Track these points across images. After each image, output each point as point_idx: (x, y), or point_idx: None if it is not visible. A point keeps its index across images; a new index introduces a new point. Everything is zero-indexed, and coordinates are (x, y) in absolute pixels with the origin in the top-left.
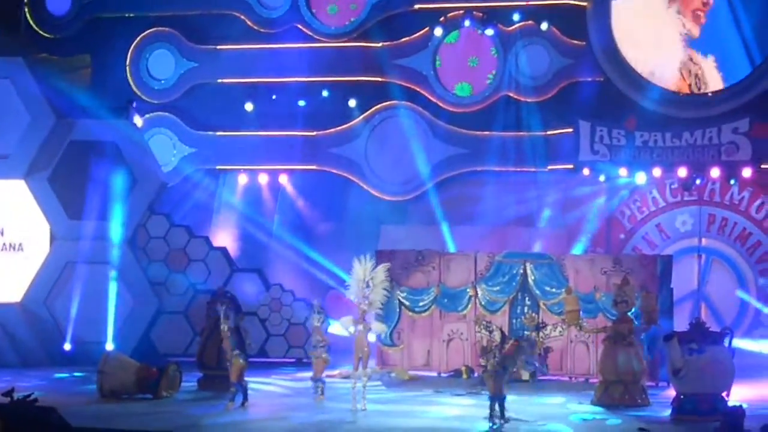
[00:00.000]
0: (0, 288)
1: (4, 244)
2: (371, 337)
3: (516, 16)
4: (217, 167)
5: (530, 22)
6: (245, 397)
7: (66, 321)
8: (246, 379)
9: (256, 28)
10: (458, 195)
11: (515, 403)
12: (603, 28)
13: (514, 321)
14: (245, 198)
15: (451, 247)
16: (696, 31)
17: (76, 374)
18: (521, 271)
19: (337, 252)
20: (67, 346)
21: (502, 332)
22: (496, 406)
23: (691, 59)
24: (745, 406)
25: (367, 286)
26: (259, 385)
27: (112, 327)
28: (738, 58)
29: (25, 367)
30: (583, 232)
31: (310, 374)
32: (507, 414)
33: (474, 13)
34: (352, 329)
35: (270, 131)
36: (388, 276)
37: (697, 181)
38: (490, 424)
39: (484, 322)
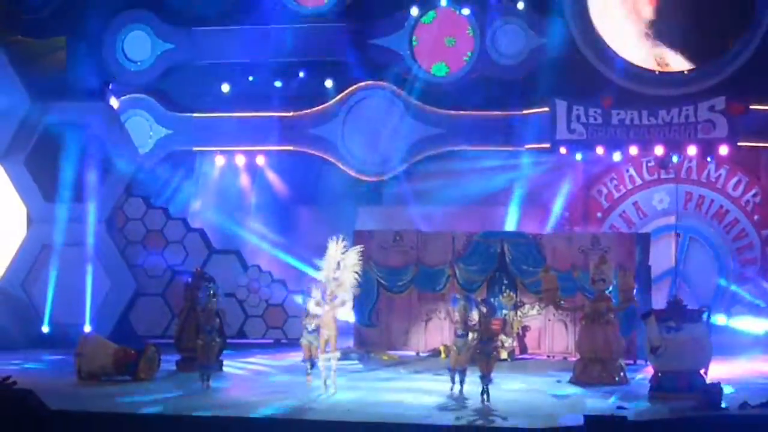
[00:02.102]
0: None
1: None
2: (348, 313)
3: None
4: (194, 149)
5: (506, 1)
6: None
7: (43, 303)
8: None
9: (232, 9)
10: (435, 174)
11: (495, 381)
12: (579, 7)
13: (492, 300)
14: (222, 179)
15: (429, 227)
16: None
17: (54, 357)
18: (499, 250)
19: (314, 233)
20: (45, 329)
21: (480, 310)
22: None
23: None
24: (723, 385)
25: (338, 267)
26: (242, 365)
27: (90, 309)
28: None
29: (2, 350)
30: (560, 210)
31: (293, 355)
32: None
33: None
34: (318, 309)
35: (247, 112)
36: (360, 259)
37: (674, 159)
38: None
39: (462, 302)
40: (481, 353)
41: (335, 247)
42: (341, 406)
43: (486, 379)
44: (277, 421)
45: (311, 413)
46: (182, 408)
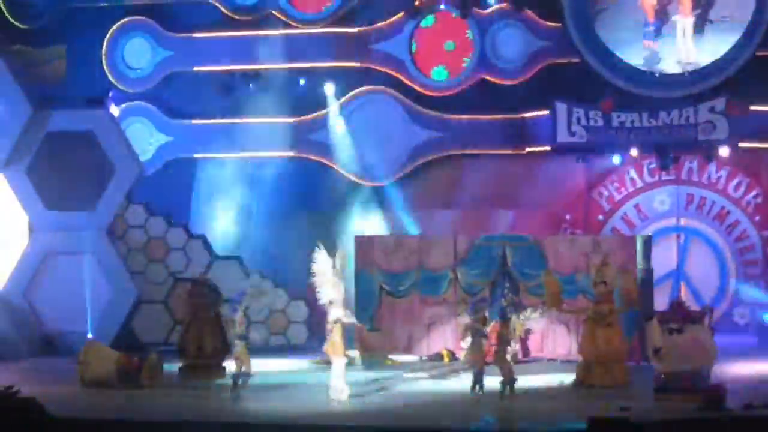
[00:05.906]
0: None
1: None
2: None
3: None
4: (195, 155)
5: (505, 4)
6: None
7: (46, 312)
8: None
9: (231, 15)
10: (437, 179)
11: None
12: (579, 8)
13: (494, 303)
14: (223, 186)
15: (431, 231)
16: None
17: (56, 365)
18: (501, 253)
19: (315, 239)
20: (47, 337)
21: (485, 316)
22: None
23: None
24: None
25: (330, 274)
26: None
27: (92, 317)
28: None
29: (5, 358)
30: (562, 213)
31: (296, 361)
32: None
33: None
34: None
35: (247, 118)
36: (345, 261)
37: (675, 161)
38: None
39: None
40: (499, 359)
41: (323, 257)
42: (355, 411)
43: (505, 382)
44: (295, 427)
45: (327, 418)
46: (186, 414)
